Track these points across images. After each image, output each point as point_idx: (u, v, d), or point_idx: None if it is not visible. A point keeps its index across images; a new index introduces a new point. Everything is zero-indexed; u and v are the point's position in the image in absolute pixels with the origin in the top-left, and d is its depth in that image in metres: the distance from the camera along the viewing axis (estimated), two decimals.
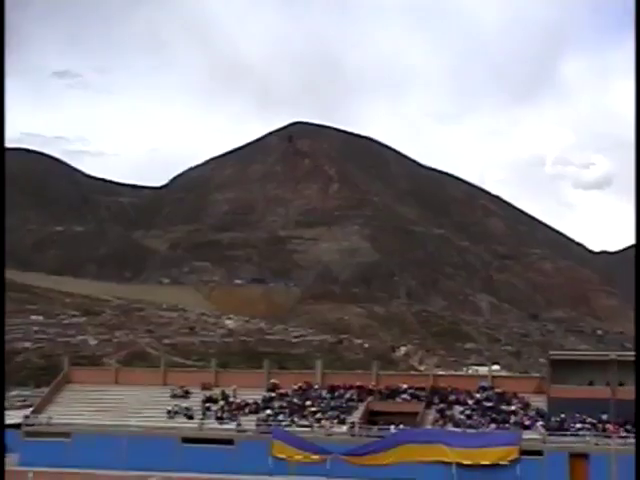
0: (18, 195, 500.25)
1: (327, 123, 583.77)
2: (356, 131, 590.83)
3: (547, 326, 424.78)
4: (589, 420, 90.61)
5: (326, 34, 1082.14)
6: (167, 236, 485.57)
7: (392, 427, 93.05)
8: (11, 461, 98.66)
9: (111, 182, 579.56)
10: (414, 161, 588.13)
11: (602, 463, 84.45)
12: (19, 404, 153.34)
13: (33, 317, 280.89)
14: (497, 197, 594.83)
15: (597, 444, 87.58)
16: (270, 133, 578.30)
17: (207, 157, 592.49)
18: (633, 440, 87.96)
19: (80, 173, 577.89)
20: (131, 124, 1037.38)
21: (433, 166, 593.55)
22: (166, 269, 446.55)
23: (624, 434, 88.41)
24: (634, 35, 19.13)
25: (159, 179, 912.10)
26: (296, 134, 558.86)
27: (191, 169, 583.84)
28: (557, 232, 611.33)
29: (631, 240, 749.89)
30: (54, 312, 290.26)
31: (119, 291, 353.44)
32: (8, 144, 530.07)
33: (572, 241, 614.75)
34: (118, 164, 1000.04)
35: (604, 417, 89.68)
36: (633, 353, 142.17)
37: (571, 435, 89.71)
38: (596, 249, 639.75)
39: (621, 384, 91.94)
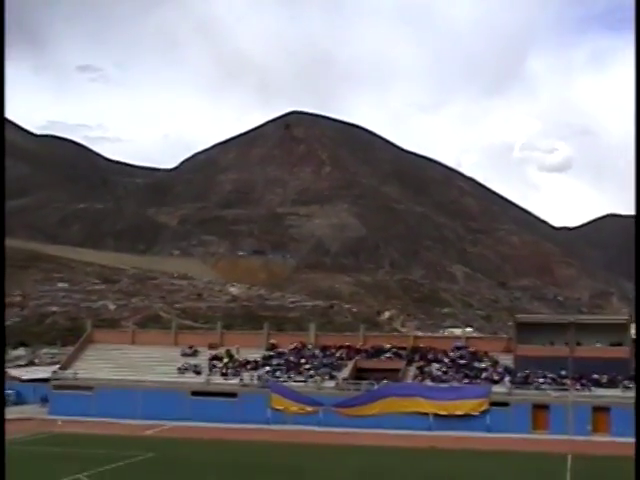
0: (45, 176, 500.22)
1: (320, 112, 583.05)
2: (346, 119, 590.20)
3: (514, 293, 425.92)
4: (550, 375, 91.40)
5: (320, 33, 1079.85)
6: (177, 212, 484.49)
7: (376, 382, 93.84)
8: (41, 410, 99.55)
9: (127, 164, 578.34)
10: (397, 146, 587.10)
11: (560, 413, 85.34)
12: (48, 361, 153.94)
13: (60, 284, 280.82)
14: (471, 179, 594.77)
15: (556, 396, 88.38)
16: (269, 121, 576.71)
17: (213, 142, 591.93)
18: (588, 392, 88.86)
19: (100, 157, 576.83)
20: (145, 113, 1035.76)
21: (414, 151, 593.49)
22: (176, 242, 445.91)
23: (580, 387, 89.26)
24: (634, 35, 18.95)
25: (170, 162, 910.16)
26: (292, 122, 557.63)
27: (198, 153, 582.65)
28: (523, 210, 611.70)
29: (588, 217, 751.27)
30: (78, 280, 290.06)
31: (134, 262, 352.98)
32: (36, 131, 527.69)
33: (537, 218, 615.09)
34: (133, 148, 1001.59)
35: (563, 373, 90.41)
36: (589, 316, 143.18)
37: (534, 389, 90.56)
38: (557, 225, 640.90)
39: (578, 344, 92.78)
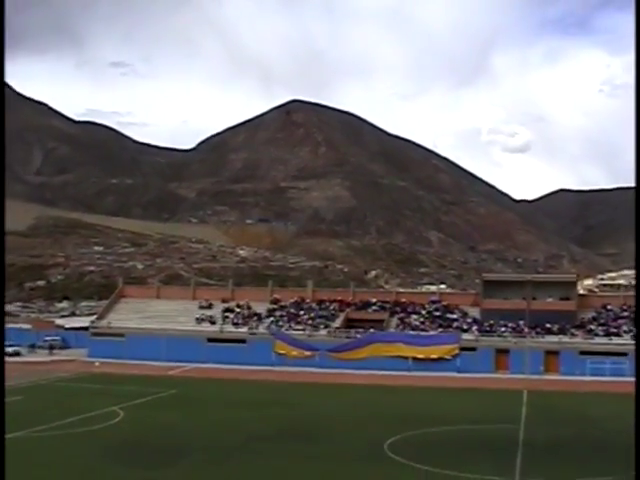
0: (84, 155, 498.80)
1: (317, 101, 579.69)
2: (339, 107, 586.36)
3: (481, 255, 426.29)
4: (510, 325, 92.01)
5: (316, 31, 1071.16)
6: (195, 187, 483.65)
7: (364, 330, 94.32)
8: (81, 353, 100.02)
9: (152, 146, 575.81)
10: (383, 130, 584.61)
11: (518, 356, 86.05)
12: (87, 312, 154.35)
13: (96, 248, 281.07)
14: (445, 158, 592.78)
15: (515, 342, 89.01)
16: (272, 108, 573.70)
17: (224, 127, 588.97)
18: (541, 339, 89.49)
19: (129, 139, 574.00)
20: (167, 101, 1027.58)
21: (397, 134, 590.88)
22: (194, 212, 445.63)
23: (534, 335, 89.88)
24: (634, 35, 18.67)
25: (188, 143, 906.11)
26: (292, 109, 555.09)
27: (212, 136, 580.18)
28: (489, 185, 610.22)
29: (543, 191, 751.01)
30: (111, 244, 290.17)
31: (159, 228, 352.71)
32: (76, 118, 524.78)
33: (500, 192, 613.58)
34: (157, 132, 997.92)
35: (521, 323, 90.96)
36: (543, 276, 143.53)
37: (497, 336, 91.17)
38: (518, 198, 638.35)
39: (534, 298, 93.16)
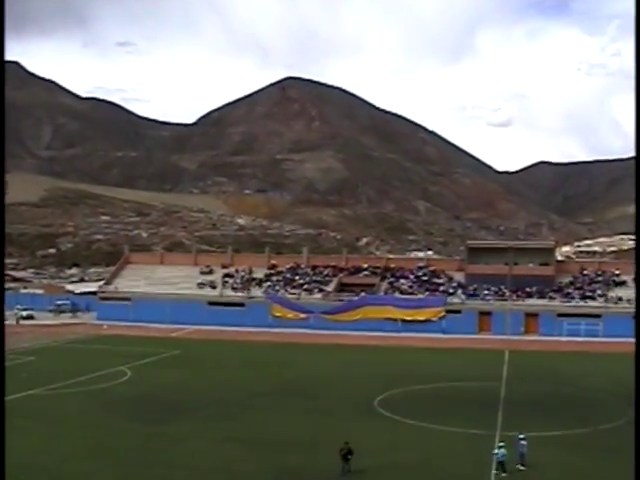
0: (91, 130, 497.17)
1: (311, 77, 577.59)
2: (331, 82, 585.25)
3: (466, 224, 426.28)
4: (493, 289, 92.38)
5: (311, 12, 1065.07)
6: (195, 159, 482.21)
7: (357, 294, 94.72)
8: (90, 317, 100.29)
9: (155, 121, 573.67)
10: (373, 105, 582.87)
11: (500, 318, 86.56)
12: (95, 278, 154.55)
13: (103, 217, 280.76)
14: (432, 132, 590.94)
15: (497, 305, 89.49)
16: (269, 85, 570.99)
17: (224, 102, 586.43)
18: (522, 302, 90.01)
19: (133, 114, 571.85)
20: (170, 78, 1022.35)
21: (387, 109, 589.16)
22: (195, 183, 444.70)
23: (515, 298, 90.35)
24: (634, 35, 18.77)
25: (190, 118, 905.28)
26: (288, 85, 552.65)
27: (212, 111, 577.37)
28: (474, 157, 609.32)
29: (524, 163, 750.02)
30: (117, 214, 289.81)
31: (162, 198, 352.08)
32: (84, 94, 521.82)
33: (484, 164, 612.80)
34: (160, 107, 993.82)
35: (503, 287, 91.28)
36: (524, 242, 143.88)
37: (480, 299, 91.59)
38: (500, 170, 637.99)
39: (515, 264, 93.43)
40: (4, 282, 18.26)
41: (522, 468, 34.22)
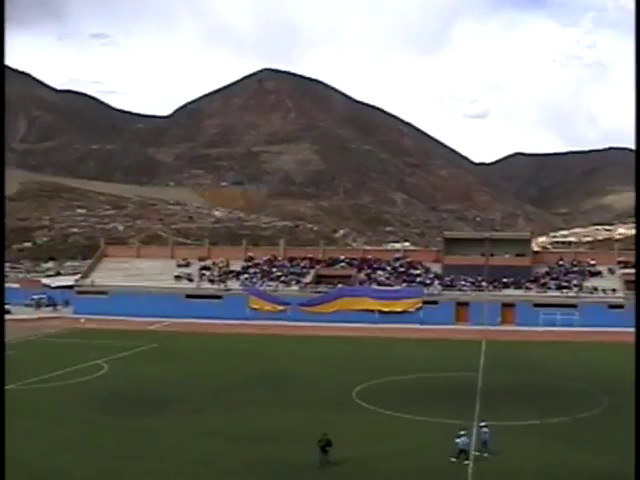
0: (66, 123, 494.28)
1: (287, 69, 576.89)
2: (308, 75, 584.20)
3: (442, 215, 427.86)
4: (470, 279, 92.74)
5: (287, 3, 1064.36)
6: (172, 151, 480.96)
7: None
8: (68, 311, 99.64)
9: (131, 113, 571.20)
10: (350, 97, 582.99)
11: (477, 308, 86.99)
12: (71, 272, 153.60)
13: (79, 210, 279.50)
14: (409, 123, 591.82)
15: (474, 296, 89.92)
16: (245, 77, 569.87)
17: (200, 94, 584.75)
18: (498, 292, 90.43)
19: (109, 107, 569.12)
20: (146, 71, 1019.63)
21: (364, 100, 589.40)
22: (171, 175, 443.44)
23: (492, 288, 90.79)
24: (634, 35, 18.54)
25: (166, 110, 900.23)
26: (264, 77, 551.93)
27: (189, 103, 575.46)
28: (451, 149, 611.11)
29: (500, 155, 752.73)
30: (93, 207, 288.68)
31: (138, 191, 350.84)
32: (59, 87, 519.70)
33: (461, 155, 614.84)
34: (136, 100, 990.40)
35: (479, 277, 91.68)
36: (500, 233, 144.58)
37: (457, 290, 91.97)
38: (477, 161, 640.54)
39: (492, 254, 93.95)
40: (4, 283, 18.07)
41: (486, 455, 34.54)
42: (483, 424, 35.83)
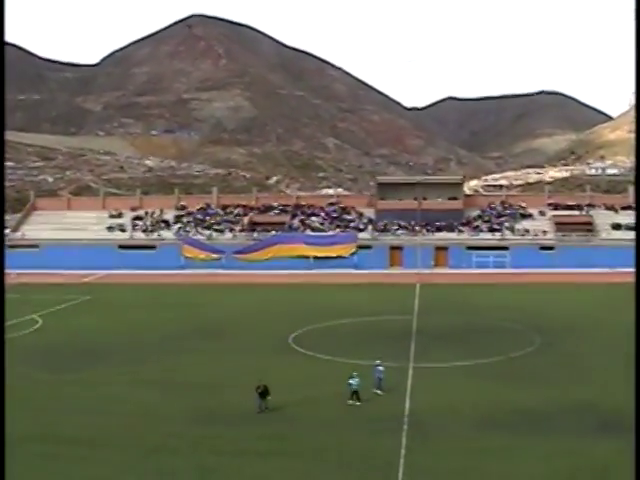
0: None
1: (217, 14, 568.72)
2: (238, 20, 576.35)
3: (375, 160, 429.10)
4: (403, 224, 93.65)
5: None
6: (100, 100, 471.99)
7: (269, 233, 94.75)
8: None
9: (58, 62, 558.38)
10: (280, 42, 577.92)
11: (411, 252, 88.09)
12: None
13: (7, 163, 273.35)
14: (340, 68, 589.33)
15: (408, 240, 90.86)
16: (174, 22, 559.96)
17: (128, 41, 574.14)
18: (431, 236, 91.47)
19: (35, 56, 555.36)
20: (73, 18, 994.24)
21: (294, 45, 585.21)
22: (101, 124, 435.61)
23: (425, 232, 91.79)
24: (634, 35, 18.66)
25: (93, 58, 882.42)
26: (194, 23, 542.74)
27: (117, 50, 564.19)
28: (382, 94, 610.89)
29: (432, 99, 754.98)
30: (21, 159, 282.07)
31: (67, 142, 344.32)
32: None
33: (393, 100, 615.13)
34: (63, 48, 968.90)
35: (412, 222, 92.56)
36: (432, 177, 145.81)
37: (391, 234, 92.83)
38: (409, 106, 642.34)
39: (424, 198, 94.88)
40: (4, 281, 17.75)
41: (380, 393, 35.87)
42: (378, 362, 36.84)
